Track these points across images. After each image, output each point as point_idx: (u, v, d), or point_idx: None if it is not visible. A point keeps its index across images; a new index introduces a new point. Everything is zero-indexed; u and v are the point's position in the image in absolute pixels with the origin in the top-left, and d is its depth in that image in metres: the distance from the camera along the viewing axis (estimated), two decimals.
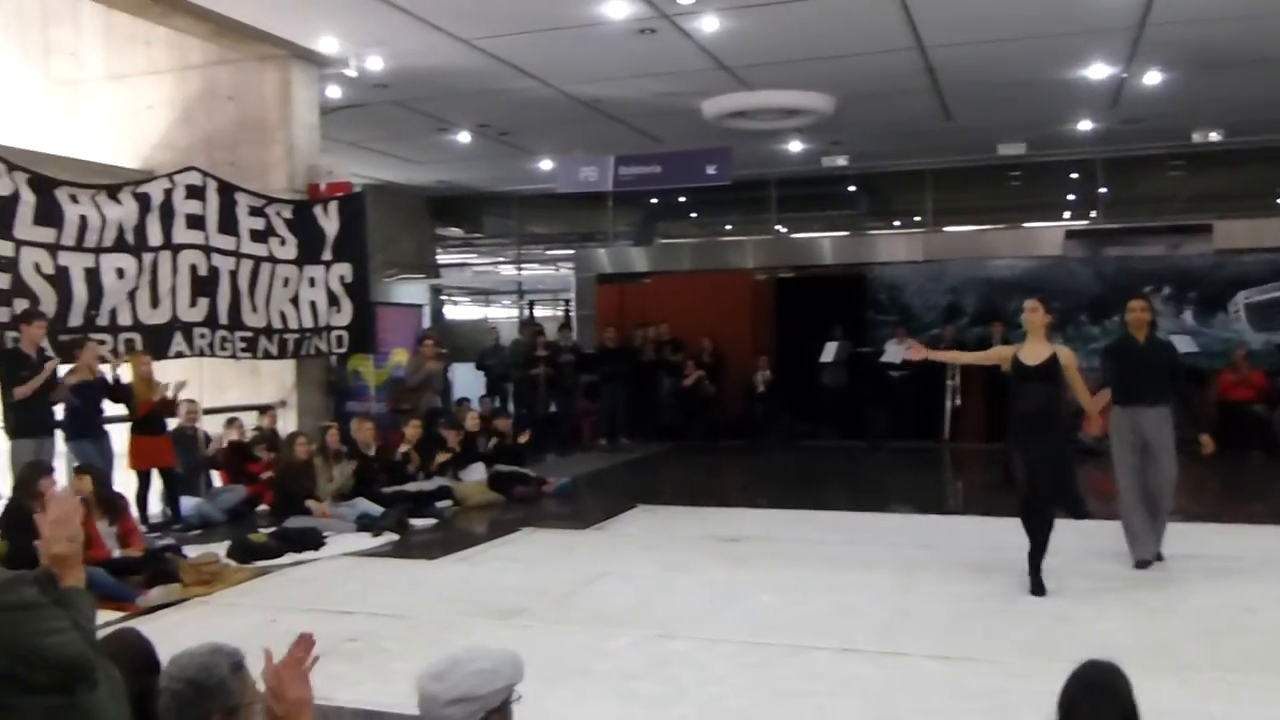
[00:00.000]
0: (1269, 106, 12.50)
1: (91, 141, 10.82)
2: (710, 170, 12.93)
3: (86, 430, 8.09)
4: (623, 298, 16.29)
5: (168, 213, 9.20)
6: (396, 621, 5.61)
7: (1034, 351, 5.97)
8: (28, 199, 8.14)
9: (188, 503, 8.86)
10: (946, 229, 16.46)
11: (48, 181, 8.38)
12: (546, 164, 15.43)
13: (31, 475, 6.47)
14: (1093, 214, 15.94)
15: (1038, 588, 5.77)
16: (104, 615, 4.53)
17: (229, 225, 9.72)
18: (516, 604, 5.91)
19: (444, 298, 18.87)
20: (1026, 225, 16.40)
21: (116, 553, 6.75)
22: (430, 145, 14.60)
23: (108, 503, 7.02)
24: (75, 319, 8.50)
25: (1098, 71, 11.24)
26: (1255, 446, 11.86)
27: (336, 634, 5.17)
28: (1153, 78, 11.43)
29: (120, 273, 8.86)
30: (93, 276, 8.65)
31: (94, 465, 7.44)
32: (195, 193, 9.44)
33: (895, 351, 13.51)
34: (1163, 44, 10.24)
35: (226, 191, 9.73)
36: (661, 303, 15.73)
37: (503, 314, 19.94)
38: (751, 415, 14.67)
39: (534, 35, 9.90)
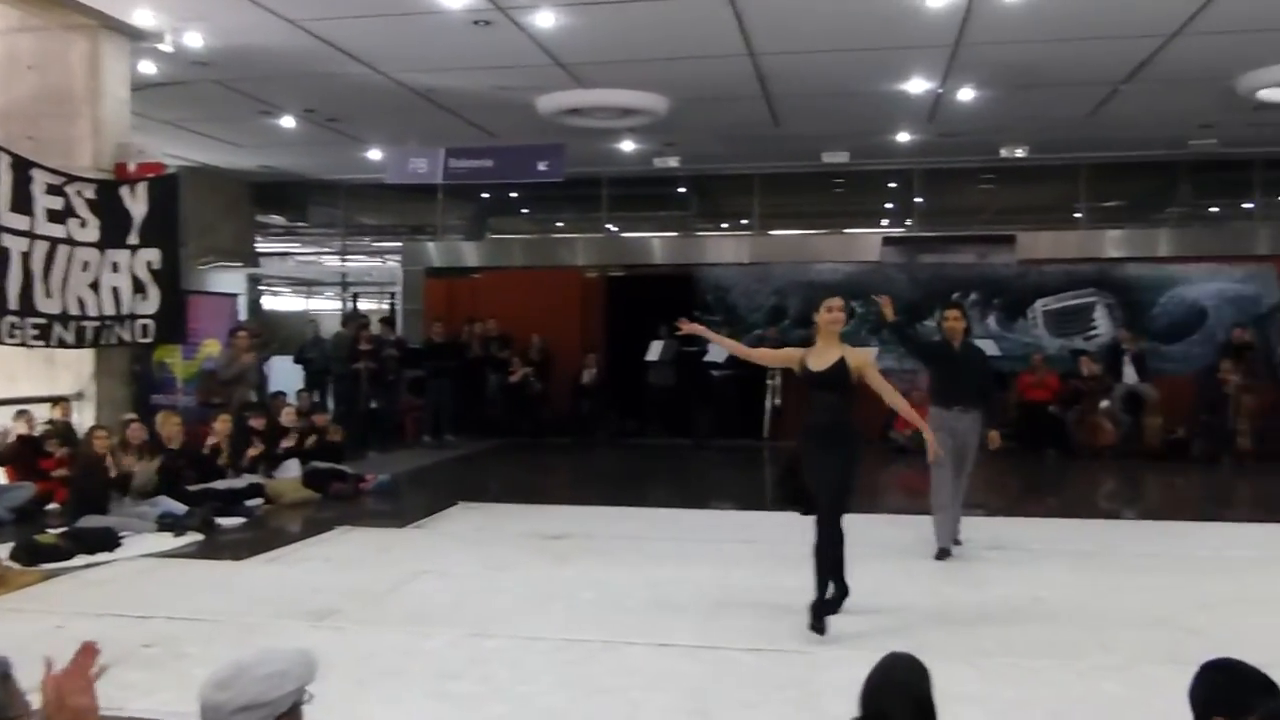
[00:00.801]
0: (1070, 126, 13.37)
1: None
2: (542, 166, 12.89)
3: None
4: (452, 292, 16.09)
5: None
6: (198, 625, 5.34)
7: (822, 356, 5.30)
8: None
9: None
10: (772, 232, 16.94)
11: None
12: (376, 154, 15.06)
13: None
14: (909, 222, 16.66)
15: (817, 624, 5.11)
16: None
17: (22, 204, 9.03)
18: (329, 605, 5.73)
19: (263, 288, 18.15)
20: (848, 231, 16.96)
21: None
22: (253, 129, 13.99)
23: None
24: None
25: (917, 86, 11.74)
26: (1050, 444, 12.70)
27: (131, 640, 4.90)
28: (966, 94, 12.02)
29: None
30: None
31: None
32: None
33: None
34: (976, 63, 10.81)
35: (21, 167, 9.03)
36: (491, 298, 15.57)
37: (326, 306, 19.31)
38: (579, 412, 14.73)
39: (366, 20, 9.62)
